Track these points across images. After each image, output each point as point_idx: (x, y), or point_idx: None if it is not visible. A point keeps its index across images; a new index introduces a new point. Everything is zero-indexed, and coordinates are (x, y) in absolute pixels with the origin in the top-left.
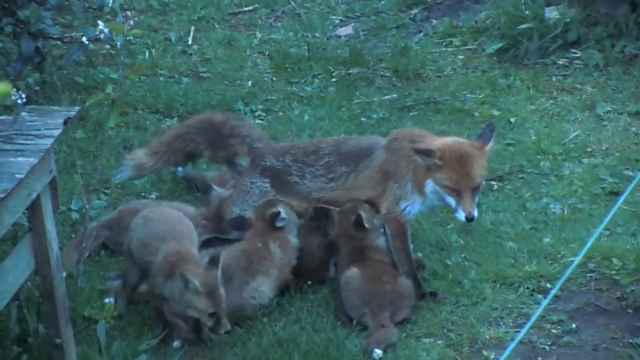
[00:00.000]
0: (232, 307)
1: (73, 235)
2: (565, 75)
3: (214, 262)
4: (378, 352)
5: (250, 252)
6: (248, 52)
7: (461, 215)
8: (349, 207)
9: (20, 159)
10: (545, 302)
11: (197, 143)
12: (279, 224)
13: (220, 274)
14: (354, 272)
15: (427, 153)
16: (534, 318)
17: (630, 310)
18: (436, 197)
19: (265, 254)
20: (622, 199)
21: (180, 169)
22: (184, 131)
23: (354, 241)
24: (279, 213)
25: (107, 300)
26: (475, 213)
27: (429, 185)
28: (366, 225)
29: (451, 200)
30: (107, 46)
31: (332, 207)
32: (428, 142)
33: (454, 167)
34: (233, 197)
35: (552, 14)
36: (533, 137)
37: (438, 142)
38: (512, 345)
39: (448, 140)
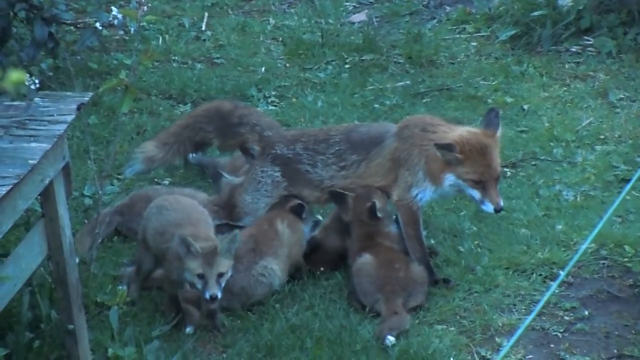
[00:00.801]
0: (243, 286)
1: (86, 221)
2: (578, 62)
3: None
4: (391, 339)
5: (257, 235)
6: (261, 38)
7: (489, 208)
8: (363, 192)
9: (33, 144)
10: (553, 287)
11: (206, 132)
12: (378, 214)
13: (226, 246)
14: (367, 258)
15: (448, 148)
16: (541, 303)
17: None
18: (454, 190)
19: (272, 235)
20: (629, 186)
21: (192, 155)
22: (192, 121)
23: (366, 227)
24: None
25: (120, 287)
26: (502, 203)
27: (450, 179)
28: (379, 214)
29: (475, 193)
30: (121, 32)
31: (347, 192)
32: (442, 135)
33: (476, 160)
34: (245, 185)
35: (565, 1)
36: (546, 124)
37: (455, 136)
38: (520, 331)
39: (463, 132)
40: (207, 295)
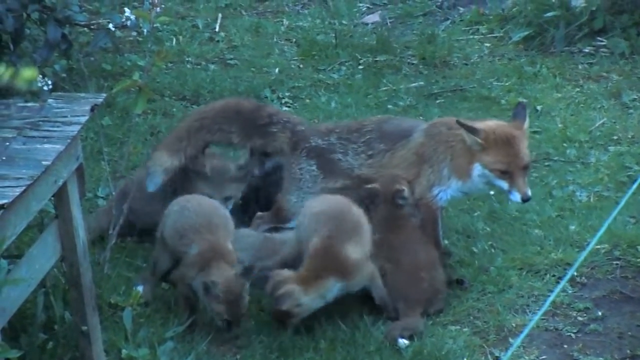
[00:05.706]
0: None
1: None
2: (591, 63)
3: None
4: (405, 341)
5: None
6: (275, 39)
7: (516, 197)
8: (390, 175)
9: (47, 145)
10: (562, 283)
11: (227, 132)
12: (400, 201)
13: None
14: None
15: (471, 130)
16: (550, 299)
17: None
18: (482, 181)
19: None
20: (635, 185)
21: None
22: (208, 123)
23: (392, 208)
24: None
25: (136, 288)
26: (530, 193)
27: (477, 169)
28: (401, 202)
29: (503, 184)
30: (134, 33)
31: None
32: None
33: (502, 149)
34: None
35: (578, 2)
36: (559, 125)
37: (482, 124)
38: (527, 329)
39: (490, 123)
40: (231, 334)
